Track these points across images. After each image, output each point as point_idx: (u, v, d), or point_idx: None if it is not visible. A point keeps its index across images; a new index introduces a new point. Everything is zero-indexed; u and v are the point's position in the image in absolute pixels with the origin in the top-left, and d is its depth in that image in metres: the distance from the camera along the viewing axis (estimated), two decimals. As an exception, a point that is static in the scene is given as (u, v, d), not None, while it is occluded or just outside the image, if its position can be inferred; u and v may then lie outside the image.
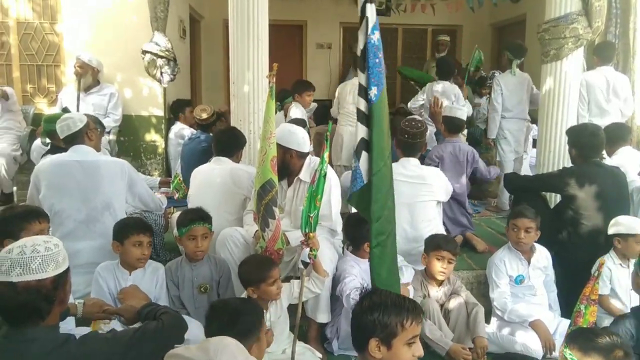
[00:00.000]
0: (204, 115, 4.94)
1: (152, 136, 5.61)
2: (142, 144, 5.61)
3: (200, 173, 3.33)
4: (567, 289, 3.10)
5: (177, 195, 4.23)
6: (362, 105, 2.17)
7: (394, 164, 3.18)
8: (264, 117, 2.62)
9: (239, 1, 3.81)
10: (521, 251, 3.02)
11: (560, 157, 4.22)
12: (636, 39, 5.42)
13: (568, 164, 3.82)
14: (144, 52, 5.13)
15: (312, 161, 3.07)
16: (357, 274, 2.82)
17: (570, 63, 4.24)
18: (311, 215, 2.46)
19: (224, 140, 3.43)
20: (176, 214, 3.71)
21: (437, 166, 3.87)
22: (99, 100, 5.08)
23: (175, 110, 5.69)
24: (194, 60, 7.66)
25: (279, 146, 2.94)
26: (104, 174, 2.94)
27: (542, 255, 3.06)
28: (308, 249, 2.51)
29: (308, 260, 2.54)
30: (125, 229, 2.58)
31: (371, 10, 2.12)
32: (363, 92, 2.16)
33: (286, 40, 8.41)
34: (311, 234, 2.47)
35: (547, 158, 4.36)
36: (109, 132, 5.03)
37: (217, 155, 3.37)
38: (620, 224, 2.97)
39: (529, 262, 3.02)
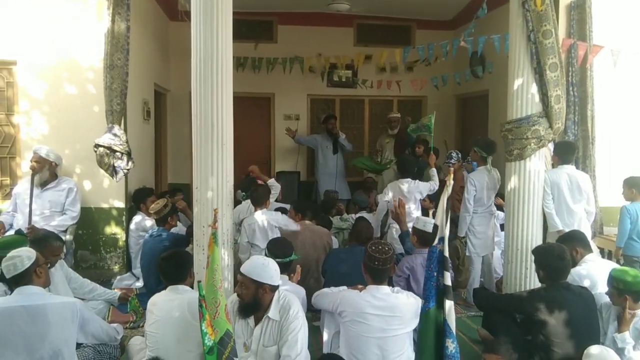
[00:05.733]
0: (160, 207, 4.82)
1: (112, 229, 5.40)
2: (101, 237, 5.38)
3: (156, 306, 3.11)
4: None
5: (134, 317, 4.03)
6: None
7: (363, 294, 3.11)
8: (209, 265, 2.50)
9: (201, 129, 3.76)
10: (495, 387, 2.93)
11: (526, 256, 4.22)
12: (595, 125, 5.60)
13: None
14: (97, 145, 4.93)
15: (281, 297, 2.95)
16: None
17: (534, 162, 4.30)
18: None
19: (171, 269, 3.19)
20: (133, 339, 3.52)
21: (407, 278, 3.79)
22: (55, 197, 4.86)
23: (137, 200, 5.51)
24: (159, 133, 7.56)
25: (252, 281, 2.85)
26: (51, 321, 2.73)
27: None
28: None
29: None
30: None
31: None
32: None
33: (254, 112, 8.44)
34: None
35: (514, 255, 4.35)
36: (65, 231, 4.82)
37: (169, 284, 3.19)
38: (591, 356, 2.91)
39: (503, 398, 2.92)
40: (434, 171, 5.75)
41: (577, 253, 3.73)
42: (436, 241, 2.16)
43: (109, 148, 4.90)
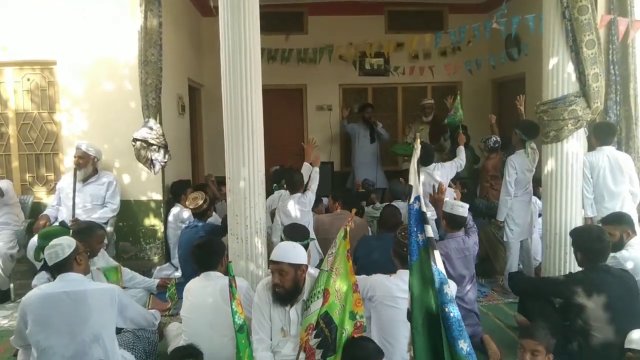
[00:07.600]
0: (200, 202, 4.92)
1: (151, 221, 5.55)
2: (141, 228, 5.55)
3: (191, 293, 3.21)
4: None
5: (170, 304, 4.15)
6: None
7: (392, 278, 3.11)
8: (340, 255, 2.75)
9: (232, 121, 3.80)
10: (530, 373, 2.84)
11: (565, 241, 4.10)
12: (638, 104, 5.36)
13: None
14: (134, 140, 5.07)
15: (312, 278, 2.97)
16: None
17: (572, 144, 4.16)
18: None
19: (202, 256, 3.30)
20: (171, 325, 3.64)
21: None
22: (96, 190, 5.05)
23: (175, 192, 5.65)
24: (195, 127, 7.70)
25: (289, 265, 2.84)
26: (91, 305, 2.84)
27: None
28: None
29: None
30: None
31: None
32: None
33: (286, 104, 8.49)
34: None
35: (553, 240, 4.24)
36: (106, 223, 4.99)
37: (201, 270, 3.28)
38: (632, 341, 2.82)
39: (538, 385, 2.84)
40: (461, 149, 5.42)
41: (627, 236, 3.62)
42: (412, 199, 2.20)
43: (145, 141, 5.03)
